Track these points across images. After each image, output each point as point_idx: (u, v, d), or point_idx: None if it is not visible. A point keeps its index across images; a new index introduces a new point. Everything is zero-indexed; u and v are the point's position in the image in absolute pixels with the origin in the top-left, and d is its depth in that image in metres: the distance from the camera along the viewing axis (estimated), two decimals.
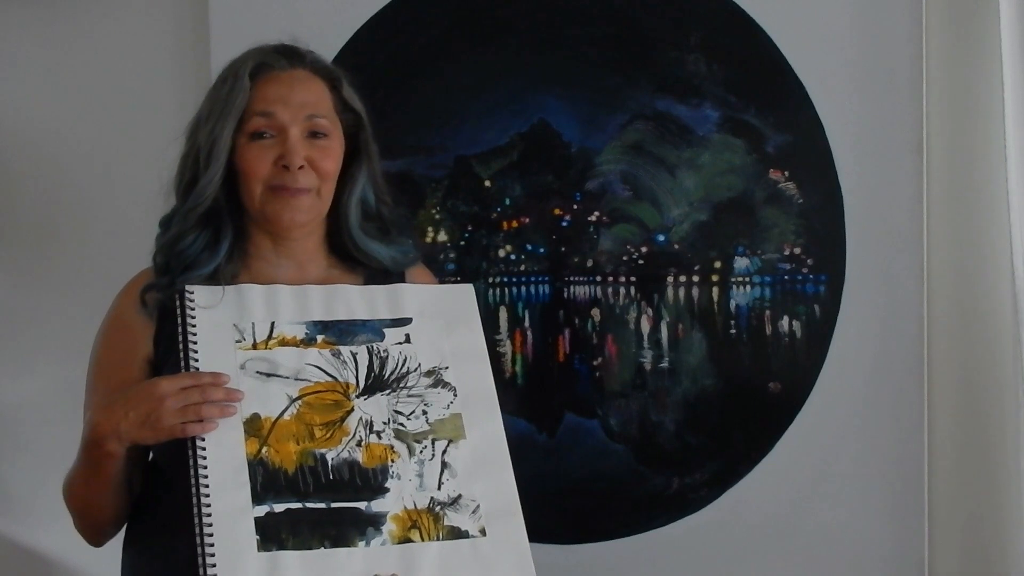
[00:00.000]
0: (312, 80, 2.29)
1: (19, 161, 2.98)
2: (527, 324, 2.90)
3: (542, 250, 2.90)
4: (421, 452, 2.12)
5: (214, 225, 2.25)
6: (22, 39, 2.97)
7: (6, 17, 2.97)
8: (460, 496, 2.11)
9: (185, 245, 2.23)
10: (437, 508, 2.09)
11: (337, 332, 2.20)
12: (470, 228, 2.91)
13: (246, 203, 2.25)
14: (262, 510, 2.03)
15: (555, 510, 2.87)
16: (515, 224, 2.90)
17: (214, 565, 1.98)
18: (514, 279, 2.90)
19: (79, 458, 2.16)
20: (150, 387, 2.06)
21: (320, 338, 2.18)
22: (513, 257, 2.90)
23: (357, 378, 2.16)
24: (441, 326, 2.25)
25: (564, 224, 2.89)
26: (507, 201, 2.90)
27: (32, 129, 2.98)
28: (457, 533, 2.09)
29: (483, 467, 2.14)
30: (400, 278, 2.35)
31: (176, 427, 2.04)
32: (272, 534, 2.02)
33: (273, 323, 2.18)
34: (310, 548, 2.02)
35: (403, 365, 2.19)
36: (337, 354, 2.17)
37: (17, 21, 2.97)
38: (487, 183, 2.90)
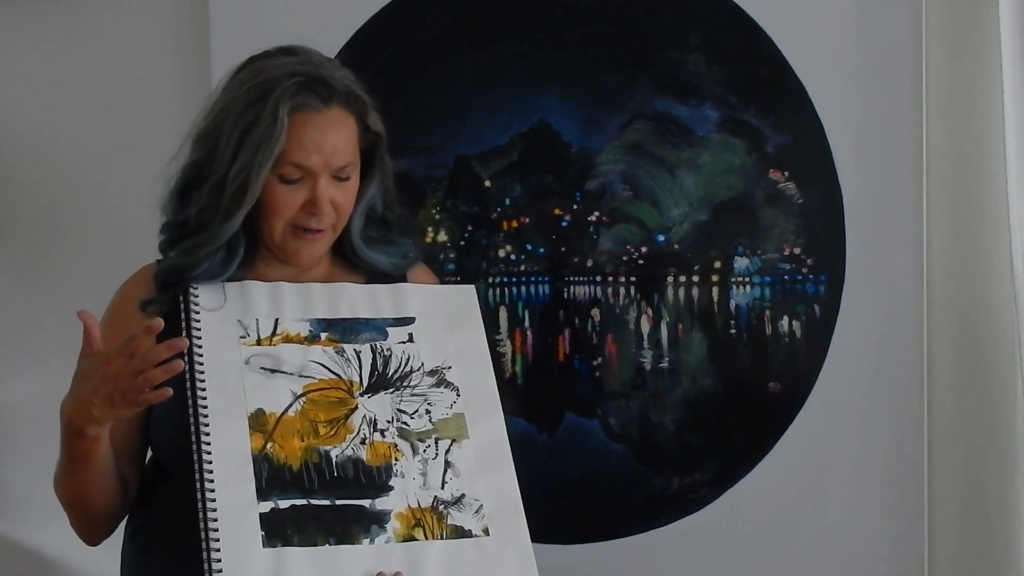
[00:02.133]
0: (344, 119, 2.22)
1: (19, 161, 2.98)
2: (527, 324, 2.90)
3: (542, 250, 2.90)
4: (424, 451, 2.13)
5: (227, 246, 2.22)
6: (22, 39, 2.97)
7: (6, 17, 2.97)
8: (463, 495, 2.11)
9: (195, 275, 2.20)
10: (440, 507, 2.09)
11: (341, 330, 2.20)
12: (470, 228, 2.91)
13: (263, 235, 2.23)
14: (267, 506, 2.03)
15: (555, 510, 2.87)
16: (515, 224, 2.90)
17: (219, 560, 1.97)
18: (514, 279, 2.90)
19: (62, 452, 2.14)
20: (103, 368, 2.01)
21: (324, 336, 2.18)
22: (513, 257, 2.90)
23: (361, 376, 2.16)
24: (444, 326, 2.25)
25: (564, 224, 2.89)
26: (507, 201, 2.90)
27: (32, 129, 2.98)
28: (460, 532, 2.09)
29: (486, 467, 2.15)
30: (402, 277, 2.35)
31: (141, 398, 2.00)
32: (277, 530, 2.02)
33: (277, 320, 2.18)
34: (315, 545, 2.02)
35: (406, 364, 2.19)
36: (341, 352, 2.17)
37: (17, 21, 2.97)
38: (487, 183, 2.90)
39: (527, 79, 2.89)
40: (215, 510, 2.00)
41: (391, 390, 2.16)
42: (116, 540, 2.31)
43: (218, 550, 1.98)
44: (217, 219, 2.18)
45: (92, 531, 2.27)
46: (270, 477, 2.05)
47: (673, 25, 2.86)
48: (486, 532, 2.10)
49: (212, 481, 2.01)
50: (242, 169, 2.15)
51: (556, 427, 2.89)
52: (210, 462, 2.03)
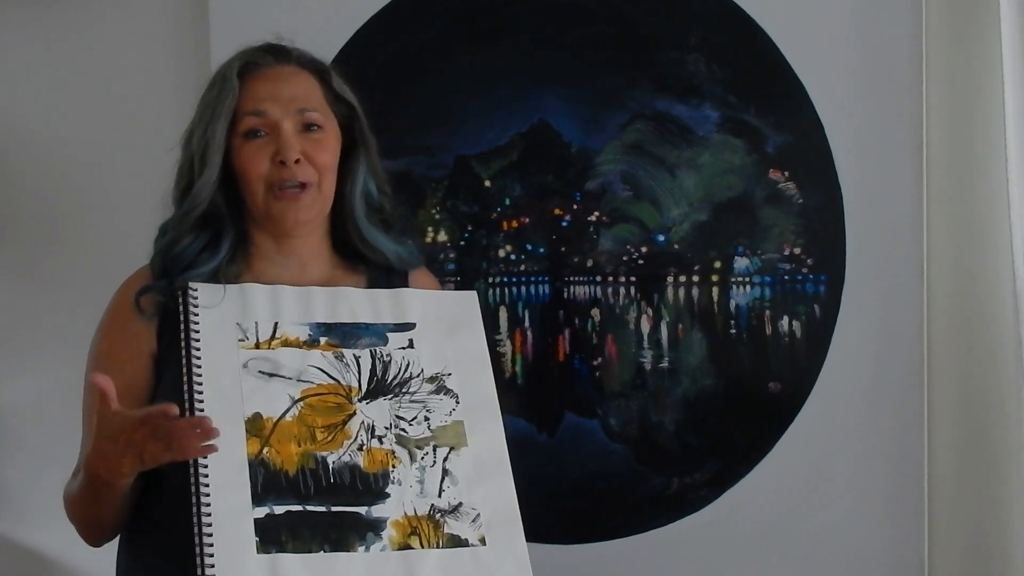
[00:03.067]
0: (300, 74, 2.30)
1: (19, 161, 2.98)
2: (527, 324, 2.90)
3: (542, 250, 2.90)
4: (422, 459, 2.12)
5: (213, 227, 2.25)
6: (22, 39, 2.97)
7: (6, 17, 2.97)
8: (460, 504, 2.11)
9: (182, 248, 2.23)
10: (437, 515, 2.09)
11: (340, 335, 2.19)
12: (470, 228, 2.91)
13: (249, 205, 2.26)
14: (262, 511, 2.02)
15: (555, 510, 2.87)
16: (515, 224, 2.90)
17: (212, 566, 1.97)
18: (514, 279, 2.90)
19: (83, 483, 2.12)
20: (128, 434, 1.98)
21: (323, 340, 2.18)
22: (513, 257, 2.90)
23: (359, 382, 2.16)
24: (444, 332, 2.24)
25: (564, 224, 2.89)
26: (507, 201, 2.90)
27: (32, 129, 2.98)
28: (457, 541, 2.08)
29: (484, 476, 2.14)
30: (403, 279, 2.35)
31: (169, 457, 1.98)
32: (272, 536, 2.01)
33: (276, 323, 2.18)
34: (310, 551, 2.01)
35: (406, 370, 2.19)
36: (340, 357, 2.17)
37: (17, 21, 2.97)
38: (487, 183, 2.90)
39: (527, 79, 2.89)
40: (209, 515, 1.99)
41: (390, 396, 2.16)
42: (114, 540, 2.30)
43: (211, 555, 1.97)
44: (195, 184, 2.23)
45: (100, 540, 2.26)
46: (266, 482, 2.04)
47: (673, 25, 2.86)
48: (483, 541, 2.09)
49: (207, 486, 2.01)
50: (204, 133, 2.23)
51: (556, 427, 2.89)
52: (206, 466, 2.02)
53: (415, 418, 2.15)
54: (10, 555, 3.00)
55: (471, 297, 2.33)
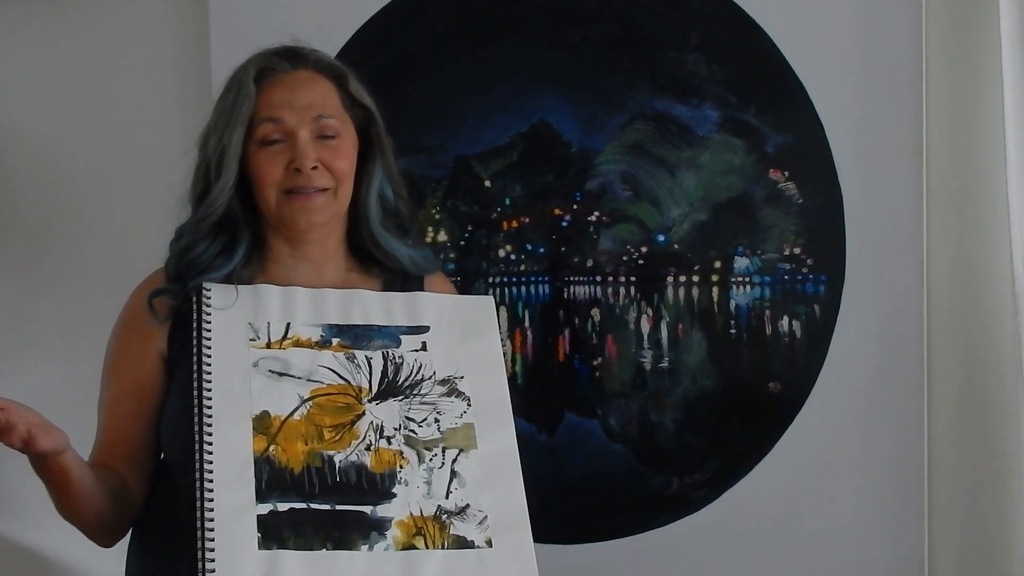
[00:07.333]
0: (316, 79, 2.29)
1: (19, 162, 2.98)
2: (527, 324, 2.90)
3: (542, 250, 2.90)
4: (431, 460, 2.12)
5: (229, 232, 2.26)
6: (22, 40, 2.97)
7: (6, 18, 2.96)
8: (468, 506, 2.11)
9: (198, 253, 2.24)
10: (444, 517, 2.09)
11: (353, 336, 2.20)
12: (470, 228, 2.91)
13: (262, 209, 2.26)
14: (265, 508, 2.03)
15: (555, 510, 2.86)
16: (515, 224, 2.90)
17: (213, 560, 1.98)
18: (514, 279, 2.90)
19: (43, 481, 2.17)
20: None
21: (335, 341, 2.19)
22: (513, 257, 2.90)
23: (370, 383, 2.16)
24: (458, 336, 2.25)
25: (564, 224, 2.89)
26: (507, 201, 2.90)
27: (32, 130, 2.97)
28: (463, 543, 2.08)
29: (493, 478, 2.14)
30: (419, 284, 2.36)
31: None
32: (274, 533, 2.02)
33: (289, 324, 2.19)
34: (312, 549, 2.02)
35: (418, 372, 2.19)
36: (351, 358, 2.18)
37: (17, 22, 2.96)
38: (487, 183, 2.90)
39: (527, 79, 2.89)
40: (212, 511, 2.00)
41: (400, 397, 2.16)
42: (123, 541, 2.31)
43: (212, 550, 1.98)
44: (212, 190, 2.23)
45: (97, 537, 2.28)
46: (270, 479, 2.05)
47: (673, 25, 2.86)
48: (489, 544, 2.10)
49: (211, 482, 2.02)
50: (220, 139, 2.22)
51: (556, 427, 2.89)
52: (211, 463, 2.03)
53: (425, 420, 2.15)
54: (10, 555, 3.00)
55: (487, 302, 2.34)
